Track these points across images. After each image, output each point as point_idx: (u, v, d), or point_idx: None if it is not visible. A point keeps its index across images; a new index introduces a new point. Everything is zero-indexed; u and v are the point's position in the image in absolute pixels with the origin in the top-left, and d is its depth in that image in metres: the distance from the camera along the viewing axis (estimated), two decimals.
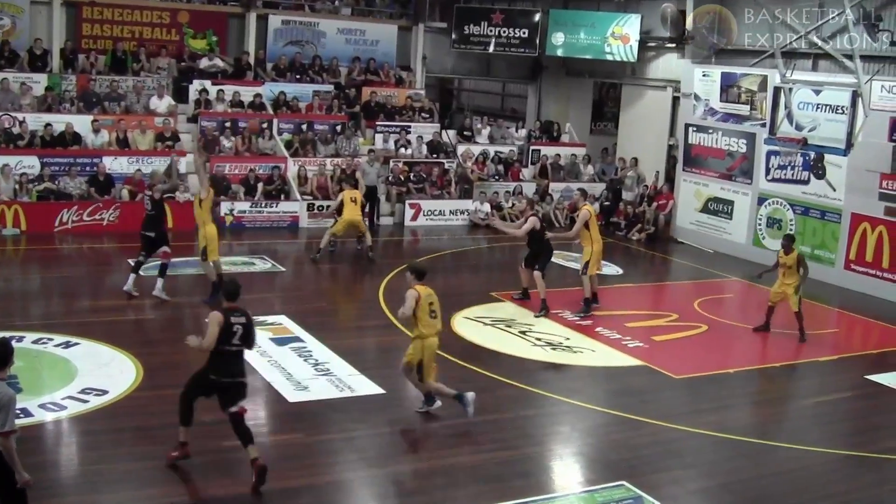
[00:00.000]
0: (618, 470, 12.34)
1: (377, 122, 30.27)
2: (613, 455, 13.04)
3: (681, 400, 15.63)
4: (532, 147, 32.10)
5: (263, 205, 26.10)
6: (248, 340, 11.40)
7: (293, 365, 15.31)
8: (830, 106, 22.69)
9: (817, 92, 23.05)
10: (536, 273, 19.26)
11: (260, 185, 26.45)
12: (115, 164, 25.62)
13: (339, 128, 29.17)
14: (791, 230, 25.21)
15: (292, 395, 14.09)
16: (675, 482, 12.37)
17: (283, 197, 26.60)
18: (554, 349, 17.32)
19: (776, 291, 18.85)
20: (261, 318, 17.18)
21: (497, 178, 30.45)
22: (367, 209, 26.56)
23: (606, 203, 30.32)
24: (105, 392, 13.72)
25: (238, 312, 11.33)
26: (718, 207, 27.64)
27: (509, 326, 18.36)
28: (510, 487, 11.62)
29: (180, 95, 28.61)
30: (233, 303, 11.42)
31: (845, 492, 12.57)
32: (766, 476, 12.79)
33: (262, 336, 16.19)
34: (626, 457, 12.96)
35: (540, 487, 11.82)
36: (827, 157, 22.76)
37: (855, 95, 19.62)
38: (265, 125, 28.17)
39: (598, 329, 18.62)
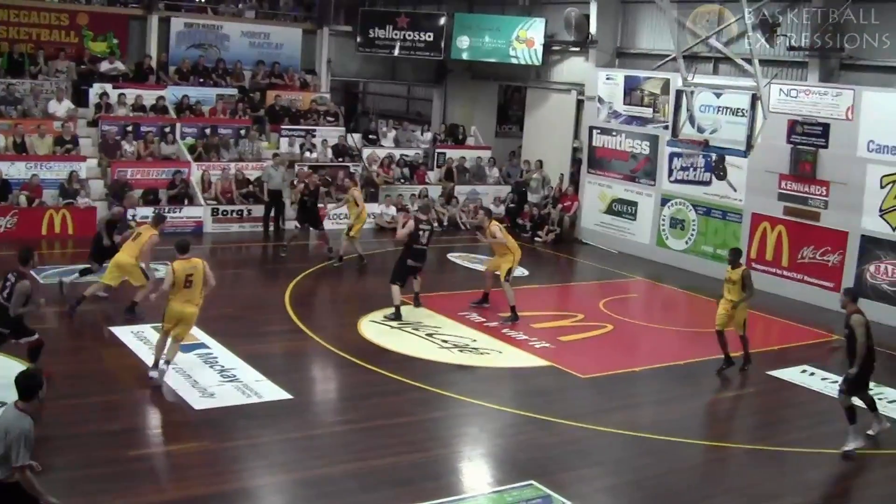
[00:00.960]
0: (526, 470, 12.39)
1: (282, 126, 30.02)
2: (522, 455, 13.09)
3: (588, 399, 15.75)
4: (438, 150, 32.12)
5: (166, 210, 25.63)
6: None
7: (199, 372, 15.08)
8: (731, 108, 23.11)
9: (718, 95, 23.46)
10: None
11: (162, 192, 26.04)
12: (13, 170, 24.86)
13: (242, 132, 28.85)
14: (693, 231, 25.62)
15: (198, 403, 13.87)
16: (582, 480, 12.47)
17: (186, 202, 26.23)
18: (461, 351, 17.35)
19: (720, 313, 17.12)
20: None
21: (403, 181, 30.42)
22: (272, 214, 26.41)
23: (512, 205, 30.47)
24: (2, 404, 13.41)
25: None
26: (622, 209, 27.95)
27: (416, 329, 18.35)
28: (420, 490, 11.60)
29: (80, 99, 28.01)
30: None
31: (750, 484, 12.78)
32: (673, 472, 12.96)
33: None
34: (535, 456, 13.02)
35: (450, 489, 11.82)
36: (728, 158, 23.15)
37: (754, 98, 19.91)
38: (168, 129, 27.72)
39: (504, 330, 18.70)
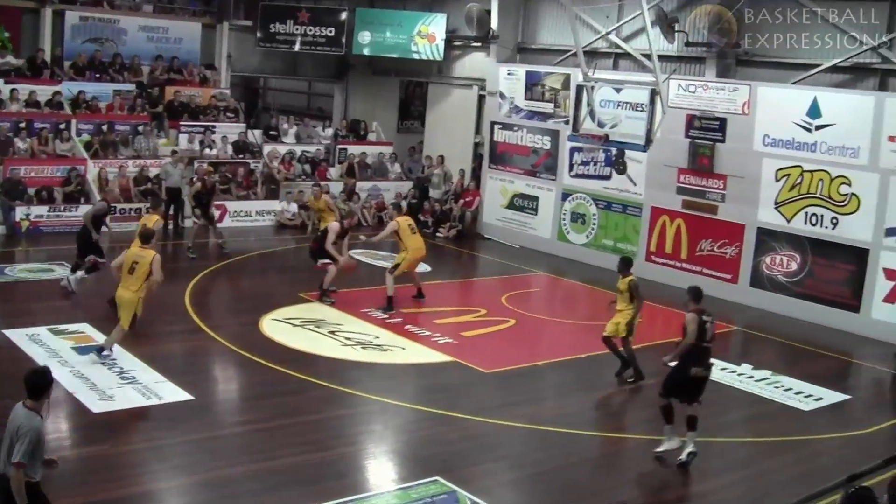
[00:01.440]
0: (431, 466, 12.39)
1: (181, 123, 29.58)
2: (426, 451, 13.10)
3: (491, 394, 15.81)
4: (339, 146, 31.97)
5: (62, 209, 25.15)
6: None
7: (97, 374, 14.72)
8: (630, 104, 23.37)
9: (618, 90, 23.69)
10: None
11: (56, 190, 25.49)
12: None
13: (140, 128, 28.36)
14: (594, 225, 25.86)
15: (96, 406, 13.56)
16: (487, 475, 12.51)
17: (83, 200, 25.66)
18: (364, 348, 17.28)
19: (610, 321, 16.68)
20: (61, 327, 16.72)
21: (304, 177, 30.22)
22: (171, 212, 26.01)
23: (413, 201, 30.44)
24: None
25: None
26: (524, 203, 28.10)
27: (319, 327, 18.23)
28: (325, 489, 11.52)
29: None
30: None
31: (651, 473, 12.98)
32: (576, 463, 13.09)
33: (63, 345, 15.78)
34: (439, 452, 13.04)
35: (355, 487, 11.77)
36: (628, 153, 23.43)
37: (653, 93, 20.16)
38: (63, 126, 27.10)
39: (407, 326, 18.67)
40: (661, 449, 13.20)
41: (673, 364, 13.32)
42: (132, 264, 15.31)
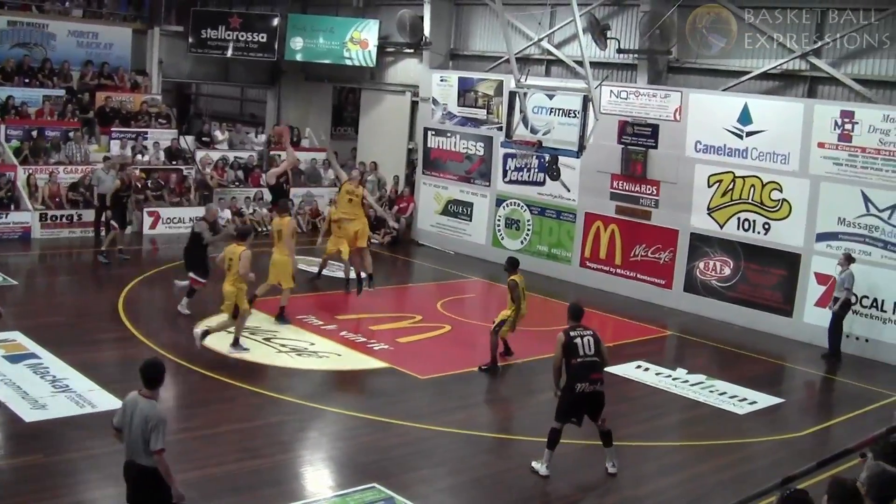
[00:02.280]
0: (368, 472, 12.33)
1: (112, 129, 29.23)
2: (363, 458, 13.04)
3: (427, 400, 15.78)
4: (272, 152, 31.78)
5: None
6: None
7: (29, 383, 14.49)
8: (563, 110, 23.50)
9: (551, 96, 23.79)
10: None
11: None
12: None
13: (71, 134, 27.98)
14: (528, 230, 25.94)
15: (29, 415, 13.34)
16: (424, 481, 12.48)
17: (12, 207, 25.27)
18: (299, 355, 17.17)
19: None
20: None
21: (237, 183, 30.00)
22: (103, 218, 25.62)
23: None
24: None
25: None
26: (458, 209, 28.12)
27: (254, 334, 18.05)
28: (261, 496, 11.45)
29: None
30: None
31: (588, 478, 13.05)
32: (513, 469, 13.09)
33: None
34: (376, 458, 12.98)
35: (291, 494, 11.68)
36: (561, 159, 23.41)
37: (586, 100, 20.22)
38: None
39: (342, 333, 18.59)
40: (534, 465, 12.96)
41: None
42: (228, 260, 16.75)
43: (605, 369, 13.82)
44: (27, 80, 29.12)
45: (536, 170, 25.86)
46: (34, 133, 27.44)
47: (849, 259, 19.28)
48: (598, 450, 13.42)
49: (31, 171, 26.33)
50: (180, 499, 9.16)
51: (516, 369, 17.61)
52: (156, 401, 9.12)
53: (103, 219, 25.38)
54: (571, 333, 12.74)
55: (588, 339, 12.75)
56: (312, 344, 17.84)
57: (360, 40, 31.11)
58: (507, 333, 17.45)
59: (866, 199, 19.82)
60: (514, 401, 16.33)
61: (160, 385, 9.20)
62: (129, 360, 16.36)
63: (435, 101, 28.35)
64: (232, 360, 16.48)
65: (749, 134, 21.47)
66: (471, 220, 27.74)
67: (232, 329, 17.00)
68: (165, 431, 9.01)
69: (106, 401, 14.02)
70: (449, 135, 28.13)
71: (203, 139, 31.39)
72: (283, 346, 17.48)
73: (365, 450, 13.39)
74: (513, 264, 17.33)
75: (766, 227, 21.39)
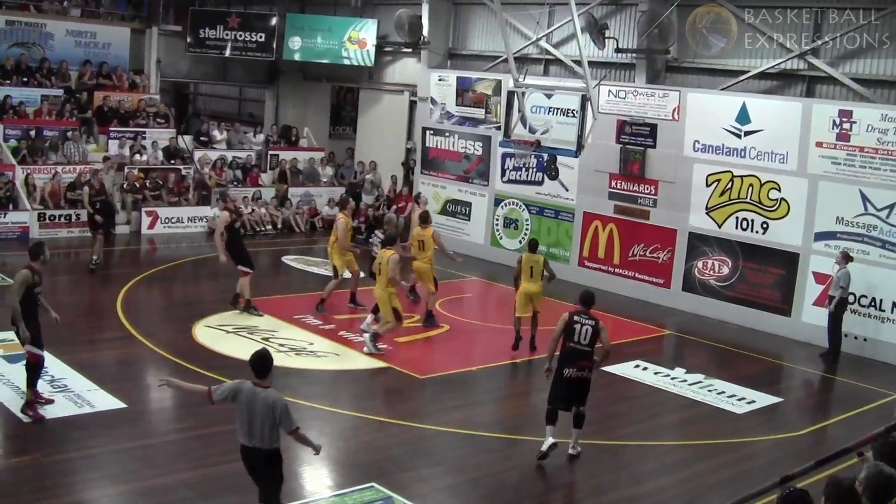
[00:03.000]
0: (367, 472, 12.34)
1: (110, 128, 29.26)
2: (362, 457, 13.04)
3: (426, 399, 15.81)
4: (270, 152, 31.80)
5: None
6: None
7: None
8: (562, 109, 23.55)
9: (549, 96, 23.84)
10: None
11: None
12: None
13: (69, 134, 27.97)
14: (526, 230, 25.95)
15: (27, 415, 13.33)
16: (423, 480, 12.48)
17: (11, 206, 25.26)
18: (298, 354, 17.17)
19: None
20: None
21: (235, 183, 30.00)
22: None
23: None
24: None
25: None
26: (457, 209, 28.12)
27: (252, 333, 18.07)
28: None
29: None
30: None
31: (587, 477, 13.08)
32: (512, 468, 13.11)
33: None
34: (375, 458, 12.99)
35: (290, 494, 11.61)
36: (559, 158, 23.45)
37: (584, 99, 20.19)
38: None
39: (341, 333, 18.59)
40: (543, 448, 13.16)
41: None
42: (378, 265, 17.47)
43: (603, 368, 13.83)
44: (25, 80, 29.11)
45: (535, 169, 25.86)
46: (32, 133, 27.43)
47: (846, 258, 19.26)
48: (597, 448, 13.45)
49: (29, 171, 26.32)
50: (318, 449, 10.33)
51: (515, 368, 17.61)
52: (271, 387, 9.91)
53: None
54: (575, 318, 13.17)
55: (587, 329, 13.12)
56: (311, 344, 17.84)
57: (358, 40, 31.10)
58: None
59: (864, 199, 19.83)
60: (512, 400, 16.33)
61: (270, 373, 9.95)
62: (127, 359, 16.46)
63: (433, 101, 28.35)
64: (229, 359, 16.43)
65: (747, 133, 21.48)
66: (469, 220, 27.74)
67: (382, 328, 17.68)
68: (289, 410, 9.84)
69: (105, 400, 14.08)
70: (447, 134, 28.13)
71: (201, 139, 31.36)
72: (281, 345, 17.47)
73: (363, 449, 13.40)
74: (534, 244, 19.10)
75: (765, 226, 21.39)
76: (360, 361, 17.15)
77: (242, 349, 16.97)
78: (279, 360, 16.25)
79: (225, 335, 17.94)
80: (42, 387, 14.30)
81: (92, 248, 22.83)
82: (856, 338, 19.91)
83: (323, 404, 14.82)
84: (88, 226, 23.36)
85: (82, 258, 23.48)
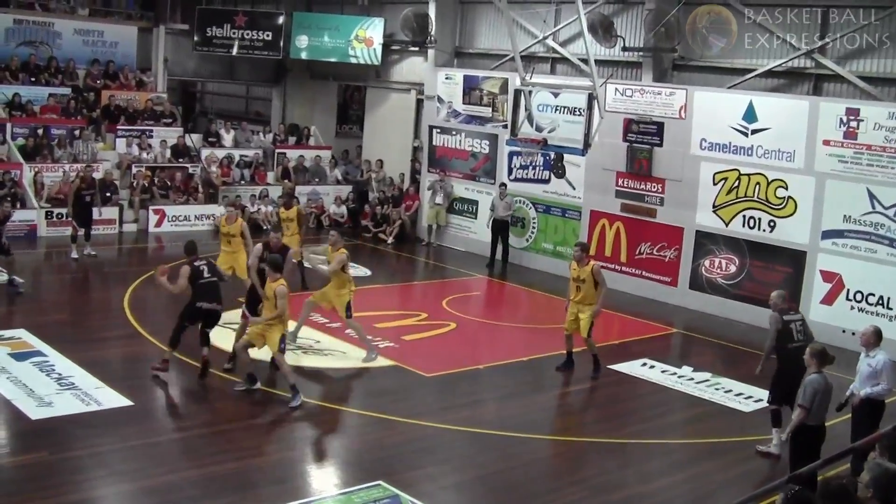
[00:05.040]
0: (373, 470, 12.32)
1: (118, 127, 29.30)
2: (368, 455, 13.03)
3: (433, 397, 15.80)
4: (278, 150, 31.82)
5: None
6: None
7: (35, 380, 14.52)
8: (568, 108, 23.56)
9: (556, 94, 23.84)
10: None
11: None
12: None
13: (77, 132, 28.02)
14: (533, 228, 25.94)
15: (35, 413, 13.35)
16: (429, 478, 12.47)
17: (18, 205, 25.25)
18: (305, 353, 17.18)
19: (570, 318, 16.87)
20: None
21: (242, 182, 30.03)
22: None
23: (353, 206, 30.40)
24: None
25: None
26: (463, 207, 28.11)
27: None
28: (266, 494, 11.45)
29: None
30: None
31: (594, 475, 13.02)
32: (518, 466, 13.08)
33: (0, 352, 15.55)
34: (381, 456, 12.98)
35: (296, 492, 11.67)
36: (566, 156, 23.45)
37: (591, 98, 20.20)
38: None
39: (348, 331, 18.54)
40: (763, 448, 13.86)
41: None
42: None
43: (610, 366, 13.78)
44: (33, 79, 29.17)
45: (542, 168, 25.85)
46: (40, 131, 27.48)
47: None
48: (604, 447, 13.45)
49: (37, 169, 26.35)
50: None
51: (519, 367, 17.59)
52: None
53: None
54: (785, 317, 13.75)
55: (799, 326, 13.88)
56: (318, 342, 17.84)
57: (365, 38, 31.10)
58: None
59: (872, 197, 19.78)
60: (520, 398, 16.31)
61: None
62: (134, 357, 16.47)
63: (440, 100, 28.35)
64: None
65: (754, 131, 21.45)
66: (476, 218, 27.73)
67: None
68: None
69: (111, 398, 14.07)
70: (454, 133, 28.13)
71: (209, 138, 31.38)
72: (287, 343, 17.43)
73: (370, 447, 13.39)
74: (583, 248, 17.09)
75: (772, 224, 21.36)
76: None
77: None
78: (286, 358, 16.38)
79: (232, 333, 17.86)
80: (50, 385, 14.36)
81: (76, 243, 23.17)
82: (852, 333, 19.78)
83: (329, 402, 14.85)
84: (73, 218, 23.51)
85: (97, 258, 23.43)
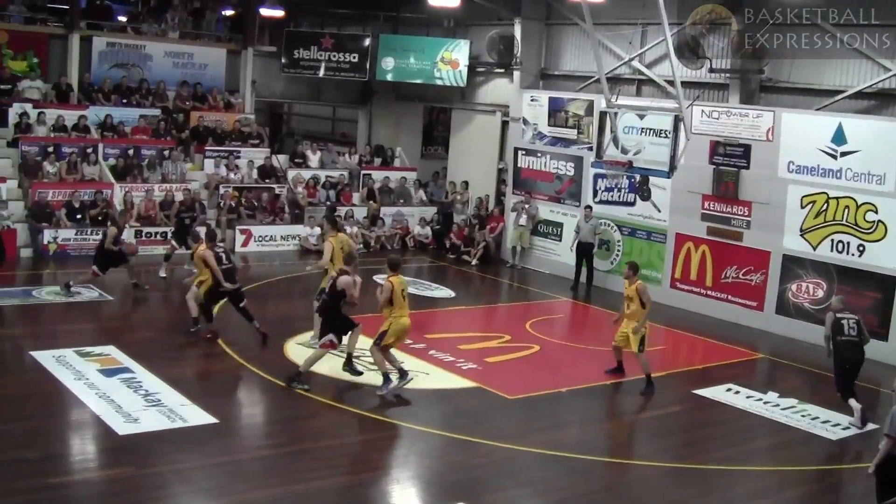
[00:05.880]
0: (455, 491, 12.35)
1: (206, 147, 29.77)
2: (450, 476, 13.06)
3: (514, 420, 15.75)
4: (363, 171, 32.05)
5: (89, 232, 25.24)
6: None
7: (122, 396, 14.77)
8: (654, 130, 23.39)
9: (641, 116, 23.70)
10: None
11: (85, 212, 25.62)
12: None
13: (166, 153, 28.53)
14: (618, 251, 25.82)
15: (122, 428, 13.58)
16: (510, 501, 12.45)
17: (109, 224, 25.65)
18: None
19: (620, 332, 17.56)
20: (87, 349, 16.79)
21: (329, 202, 30.30)
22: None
23: (437, 227, 30.54)
24: None
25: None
26: (548, 230, 28.07)
27: (342, 352, 18.16)
28: None
29: None
30: None
31: (676, 501, 12.90)
32: (598, 491, 13.03)
33: (89, 367, 15.84)
34: (462, 478, 13.00)
35: None
36: (652, 179, 23.34)
37: (677, 120, 20.10)
38: (90, 150, 27.31)
39: (431, 352, 18.61)
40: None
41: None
42: (402, 293, 15.81)
43: (694, 391, 13.52)
44: (124, 100, 29.79)
45: (627, 190, 25.73)
46: (130, 152, 28.00)
47: None
48: (685, 473, 13.33)
49: (126, 189, 26.85)
50: None
51: (602, 391, 17.49)
52: None
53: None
54: (839, 315, 16.27)
55: (851, 323, 16.21)
56: (402, 362, 17.86)
57: (450, 60, 31.27)
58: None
59: None
60: (602, 422, 16.24)
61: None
62: (219, 375, 16.67)
63: (525, 121, 28.37)
64: (320, 376, 16.56)
65: (843, 154, 21.14)
66: (560, 241, 27.66)
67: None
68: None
69: (196, 415, 14.25)
70: (539, 155, 28.12)
71: (295, 159, 31.71)
72: (371, 364, 17.53)
73: (452, 469, 13.41)
74: (633, 268, 17.87)
75: (861, 248, 21.03)
76: (449, 381, 17.18)
77: (331, 367, 17.15)
78: (368, 378, 16.50)
79: (311, 350, 18.06)
80: (136, 401, 14.60)
81: (168, 262, 23.81)
82: None
83: (412, 423, 14.87)
84: (173, 237, 24.50)
85: (176, 275, 23.82)
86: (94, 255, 21.94)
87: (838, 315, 16.28)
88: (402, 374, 15.98)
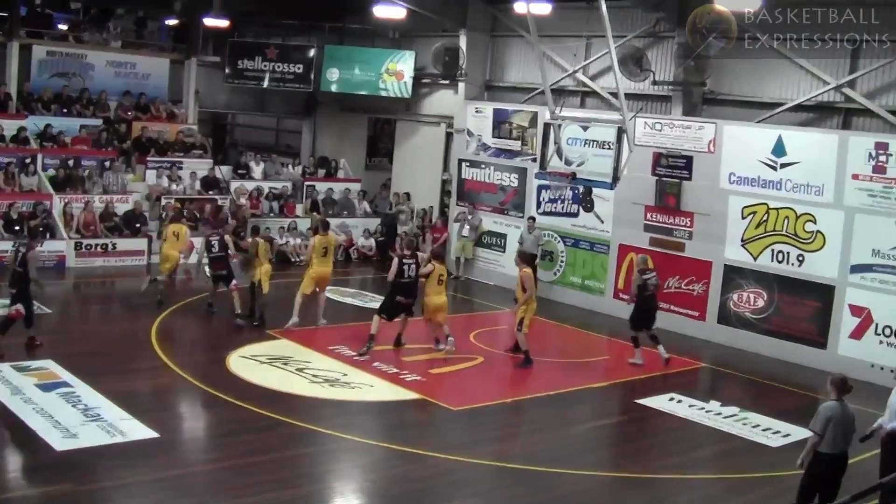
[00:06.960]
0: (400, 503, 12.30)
1: (148, 158, 29.50)
2: (395, 489, 13.02)
3: (460, 431, 15.74)
4: (307, 183, 31.93)
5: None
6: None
7: (60, 411, 14.52)
8: (598, 141, 23.52)
9: (585, 128, 23.81)
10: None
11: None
12: None
13: (107, 163, 28.23)
14: (561, 262, 25.90)
15: (60, 444, 13.34)
16: None
17: (48, 235, 25.43)
18: (332, 385, 17.16)
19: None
20: (25, 364, 16.53)
21: (272, 214, 30.14)
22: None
23: (381, 238, 30.49)
24: None
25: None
26: (492, 241, 28.11)
27: (286, 364, 18.10)
28: None
29: None
30: None
31: None
32: (545, 502, 13.00)
33: (26, 382, 15.59)
34: (408, 490, 12.96)
35: None
36: (595, 190, 23.42)
37: (620, 132, 20.22)
38: (29, 160, 26.97)
39: (375, 364, 18.55)
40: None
41: None
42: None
43: (637, 401, 13.61)
44: (65, 110, 29.44)
45: (570, 201, 25.83)
46: (70, 162, 27.67)
47: None
48: (633, 482, 13.37)
49: (67, 200, 26.54)
50: None
51: (547, 402, 17.53)
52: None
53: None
54: (644, 276, 19.77)
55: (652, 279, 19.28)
56: (345, 375, 17.83)
57: (395, 71, 31.31)
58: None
59: None
60: (546, 433, 16.24)
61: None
62: (161, 389, 16.52)
63: (469, 133, 28.41)
64: (263, 390, 16.48)
65: (783, 165, 21.40)
66: (504, 252, 27.70)
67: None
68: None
69: (137, 430, 14.05)
70: (483, 166, 28.17)
71: (239, 170, 31.52)
72: (315, 376, 17.49)
73: (397, 481, 13.38)
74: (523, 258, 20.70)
75: (801, 258, 21.27)
76: (393, 393, 17.12)
77: (275, 380, 17.10)
78: (312, 390, 16.46)
79: (258, 365, 17.98)
80: (75, 416, 14.39)
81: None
82: (892, 371, 19.62)
83: (356, 435, 14.80)
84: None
85: (117, 287, 23.57)
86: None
87: (644, 277, 19.92)
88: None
